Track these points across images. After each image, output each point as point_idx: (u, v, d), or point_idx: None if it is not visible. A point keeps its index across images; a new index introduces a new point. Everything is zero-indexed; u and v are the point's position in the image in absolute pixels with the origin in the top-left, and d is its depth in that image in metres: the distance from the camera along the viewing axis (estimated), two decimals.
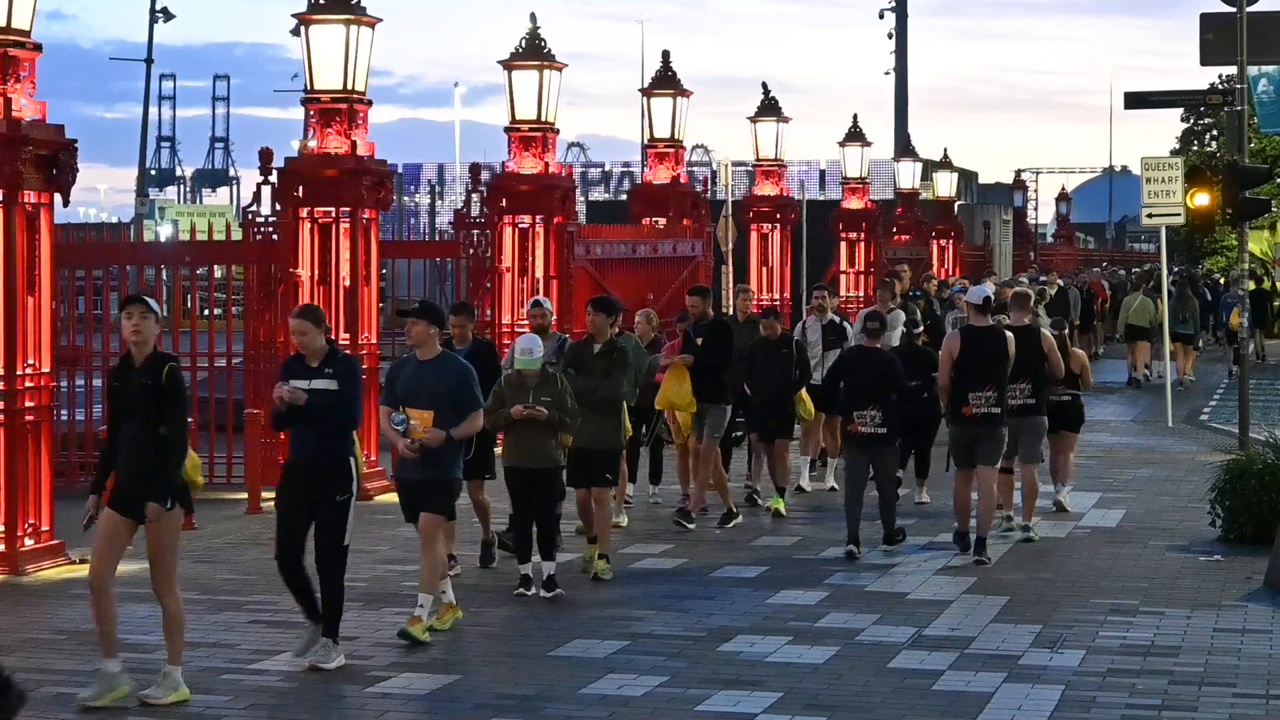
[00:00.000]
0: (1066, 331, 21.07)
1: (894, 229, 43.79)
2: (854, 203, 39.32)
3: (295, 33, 20.20)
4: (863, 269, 38.56)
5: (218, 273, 21.80)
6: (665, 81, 29.35)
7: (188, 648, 11.41)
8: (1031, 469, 16.67)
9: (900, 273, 26.79)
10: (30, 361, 15.14)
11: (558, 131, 24.16)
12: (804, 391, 18.80)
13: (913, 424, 17.89)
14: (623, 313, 15.99)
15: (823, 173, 76.18)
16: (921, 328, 23.47)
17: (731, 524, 17.25)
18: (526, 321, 17.15)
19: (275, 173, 19.78)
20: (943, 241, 46.89)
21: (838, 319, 20.46)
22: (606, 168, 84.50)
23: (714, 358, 17.36)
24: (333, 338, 11.98)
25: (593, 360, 14.80)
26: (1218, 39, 24.27)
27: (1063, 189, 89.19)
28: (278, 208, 19.95)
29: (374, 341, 20.19)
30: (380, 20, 19.77)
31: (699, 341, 17.33)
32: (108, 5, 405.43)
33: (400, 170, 74.80)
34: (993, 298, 16.62)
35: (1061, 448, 18.59)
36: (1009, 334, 16.00)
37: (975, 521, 15.68)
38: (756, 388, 18.52)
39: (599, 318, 14.99)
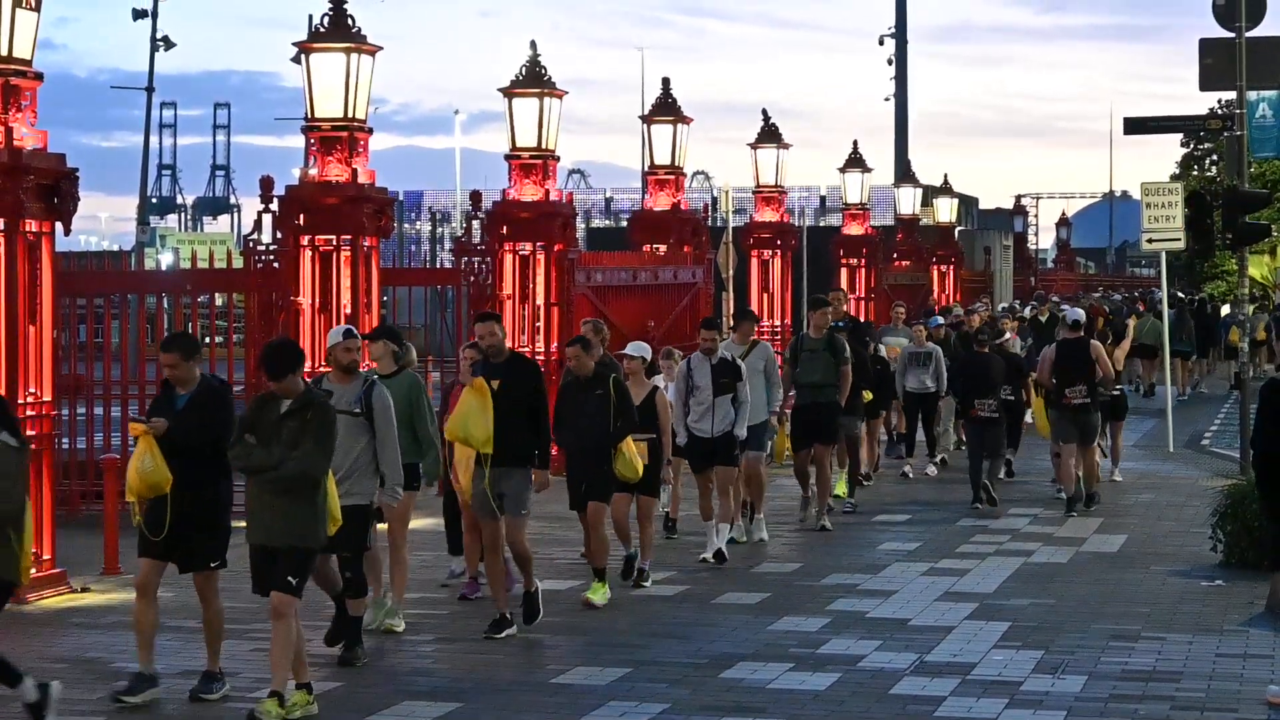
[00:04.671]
0: (1110, 340, 24.14)
1: (894, 255, 43.85)
2: (854, 228, 39.35)
3: (296, 61, 20.26)
4: (863, 295, 38.58)
5: (219, 301, 21.77)
6: (665, 108, 29.39)
7: (190, 676, 11.42)
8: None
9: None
10: (32, 390, 15.15)
11: (558, 159, 24.19)
12: (629, 444, 14.89)
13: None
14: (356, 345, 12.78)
15: (823, 198, 76.30)
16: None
17: (503, 633, 13.24)
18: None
19: (276, 201, 19.82)
20: (943, 267, 46.92)
21: (730, 356, 17.11)
22: (607, 194, 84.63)
23: (516, 405, 13.39)
24: None
25: (277, 424, 10.88)
26: (1217, 64, 24.29)
27: (1063, 214, 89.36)
28: (279, 236, 19.99)
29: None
30: (380, 48, 19.83)
31: (494, 385, 13.32)
32: (98, 34, 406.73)
33: (401, 198, 74.93)
34: (1082, 318, 21.44)
35: (1109, 432, 22.93)
36: (1094, 343, 20.85)
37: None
38: (564, 440, 15.12)
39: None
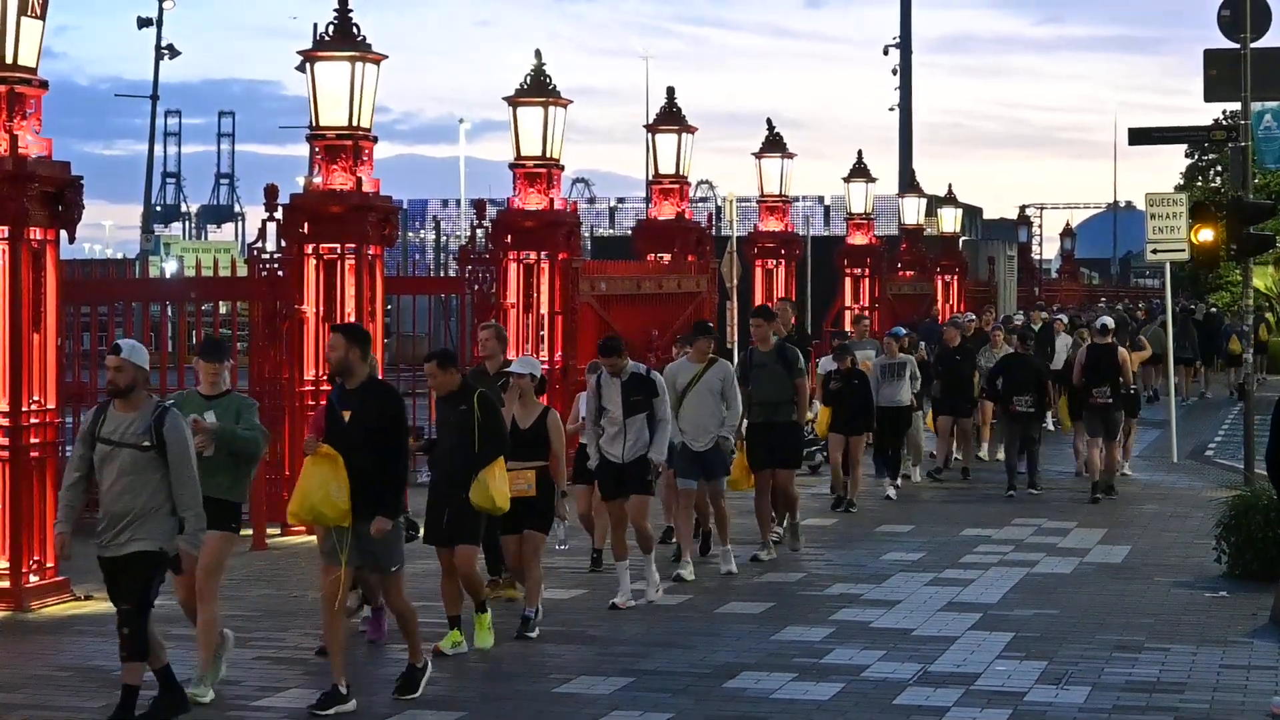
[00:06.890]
0: (1128, 344, 26.15)
1: (898, 265, 43.84)
2: (859, 238, 39.36)
3: (301, 69, 20.27)
4: (868, 305, 38.58)
5: (223, 309, 21.77)
6: (670, 117, 29.39)
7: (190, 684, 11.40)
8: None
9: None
10: (35, 398, 15.17)
11: (562, 167, 24.19)
12: (494, 470, 12.71)
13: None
14: None
15: (827, 208, 76.29)
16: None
17: (425, 678, 11.74)
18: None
19: (281, 209, 19.82)
20: (947, 277, 46.91)
21: (644, 371, 15.17)
22: (611, 203, 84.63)
23: (369, 442, 11.20)
24: None
25: None
26: (1222, 75, 24.31)
27: (1067, 224, 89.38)
28: (283, 244, 19.99)
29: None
30: (385, 57, 19.83)
31: (347, 416, 11.31)
32: (99, 42, 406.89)
33: (405, 206, 74.97)
34: (1110, 324, 23.60)
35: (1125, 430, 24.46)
36: (1121, 350, 23.26)
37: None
38: (432, 466, 13.43)
39: None
